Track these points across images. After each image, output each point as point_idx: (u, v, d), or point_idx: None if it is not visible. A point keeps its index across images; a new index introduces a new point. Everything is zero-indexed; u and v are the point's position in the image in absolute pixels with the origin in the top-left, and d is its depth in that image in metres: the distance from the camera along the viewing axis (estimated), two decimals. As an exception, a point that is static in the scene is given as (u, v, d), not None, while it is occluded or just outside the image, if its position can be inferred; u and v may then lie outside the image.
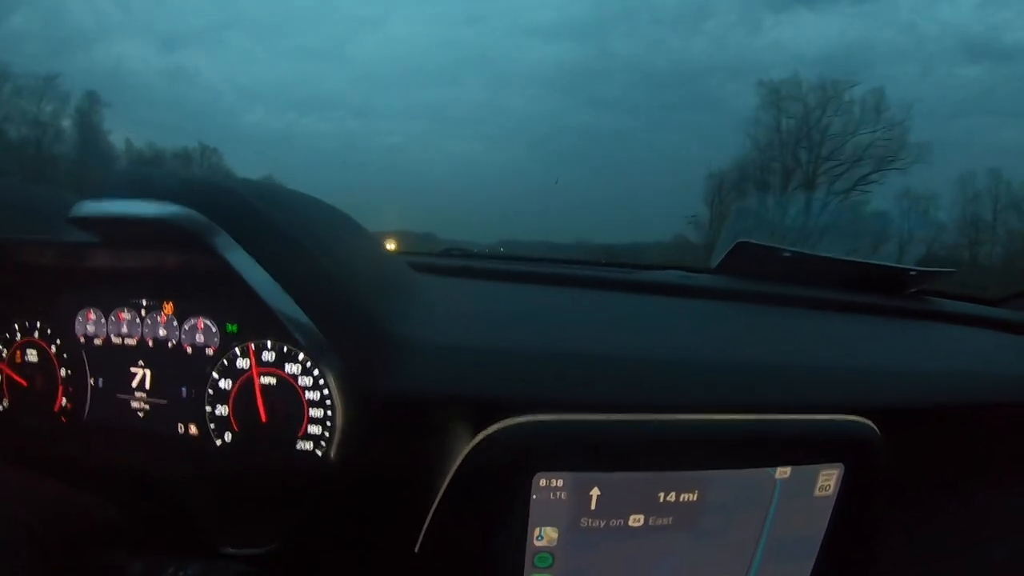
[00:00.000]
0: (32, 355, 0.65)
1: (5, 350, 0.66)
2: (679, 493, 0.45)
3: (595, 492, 0.44)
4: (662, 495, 0.45)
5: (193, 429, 0.59)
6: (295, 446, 0.56)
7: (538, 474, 0.44)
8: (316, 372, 0.56)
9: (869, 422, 0.50)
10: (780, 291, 0.78)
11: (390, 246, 0.83)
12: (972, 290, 0.99)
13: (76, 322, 0.64)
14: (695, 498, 0.46)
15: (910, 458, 0.56)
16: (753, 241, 0.82)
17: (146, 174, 0.52)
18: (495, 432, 0.44)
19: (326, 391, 0.55)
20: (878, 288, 0.84)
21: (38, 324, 0.65)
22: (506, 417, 0.45)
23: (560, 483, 0.44)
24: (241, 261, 0.47)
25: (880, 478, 0.50)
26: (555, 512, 0.45)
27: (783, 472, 0.47)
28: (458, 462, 0.45)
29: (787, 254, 0.81)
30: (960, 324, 0.82)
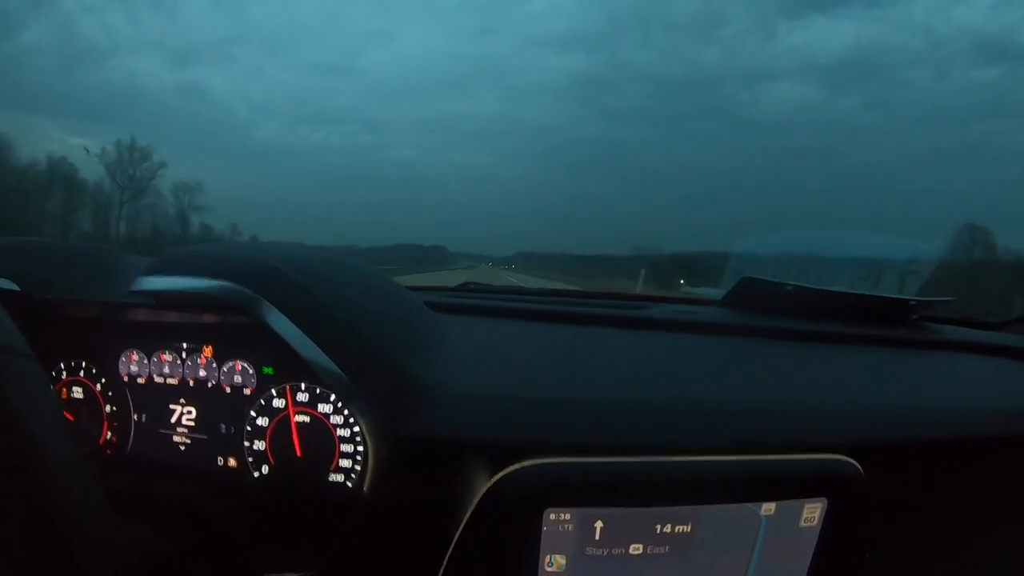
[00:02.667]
0: (78, 392, 0.74)
1: (51, 387, 0.75)
2: (674, 525, 0.54)
3: (599, 524, 0.53)
4: (659, 527, 0.54)
5: (232, 462, 0.68)
6: (327, 478, 0.65)
7: (548, 509, 0.52)
8: (346, 412, 0.64)
9: (851, 460, 0.58)
10: (782, 325, 0.85)
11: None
12: (975, 314, 1.06)
13: (120, 362, 0.73)
14: (689, 529, 0.54)
15: (896, 491, 0.63)
16: (757, 276, 0.90)
17: (199, 252, 0.63)
18: (510, 473, 0.53)
19: (356, 429, 0.64)
20: (879, 319, 0.91)
21: (83, 364, 0.74)
22: (520, 459, 0.54)
23: (567, 517, 0.53)
24: (280, 324, 0.58)
25: (864, 511, 0.58)
26: (563, 542, 0.53)
27: (768, 508, 0.55)
28: (477, 499, 0.54)
29: (790, 288, 0.89)
30: (960, 352, 0.88)
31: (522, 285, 1.93)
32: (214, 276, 0.58)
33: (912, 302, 0.92)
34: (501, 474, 0.53)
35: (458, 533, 0.54)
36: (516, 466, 0.53)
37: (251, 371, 0.69)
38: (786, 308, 0.90)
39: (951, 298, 0.95)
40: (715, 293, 1.01)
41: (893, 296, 0.94)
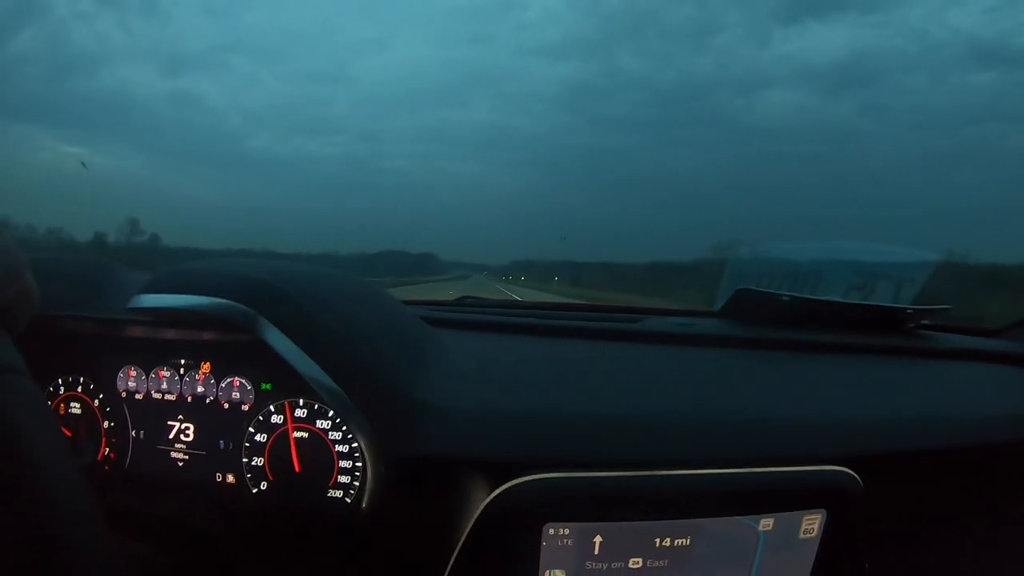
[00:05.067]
0: (76, 408, 0.74)
1: (49, 402, 0.74)
2: (673, 539, 0.53)
3: (598, 539, 0.53)
4: (658, 540, 0.53)
5: (231, 478, 0.68)
6: (326, 494, 0.64)
7: (547, 524, 0.52)
8: (345, 428, 0.64)
9: (850, 471, 0.57)
10: (779, 335, 0.85)
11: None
12: (973, 322, 1.05)
13: (118, 378, 0.72)
14: (688, 543, 0.54)
15: (894, 501, 0.63)
16: (753, 287, 0.90)
17: (195, 270, 0.63)
18: (508, 489, 0.53)
19: (355, 445, 0.64)
20: (876, 328, 0.91)
21: (81, 379, 0.74)
22: (518, 475, 0.53)
23: (567, 531, 0.52)
24: (278, 341, 0.57)
25: (863, 521, 0.58)
26: (563, 556, 0.53)
27: (766, 524, 0.54)
28: (476, 515, 0.53)
29: (786, 299, 0.89)
30: (958, 359, 0.88)
31: (517, 299, 1.95)
32: (211, 294, 0.58)
33: (909, 310, 0.92)
34: (499, 490, 0.53)
35: (457, 550, 0.54)
36: (514, 482, 0.53)
37: (249, 387, 0.68)
38: (782, 319, 0.90)
39: (948, 306, 0.94)
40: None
41: (889, 305, 0.93)
